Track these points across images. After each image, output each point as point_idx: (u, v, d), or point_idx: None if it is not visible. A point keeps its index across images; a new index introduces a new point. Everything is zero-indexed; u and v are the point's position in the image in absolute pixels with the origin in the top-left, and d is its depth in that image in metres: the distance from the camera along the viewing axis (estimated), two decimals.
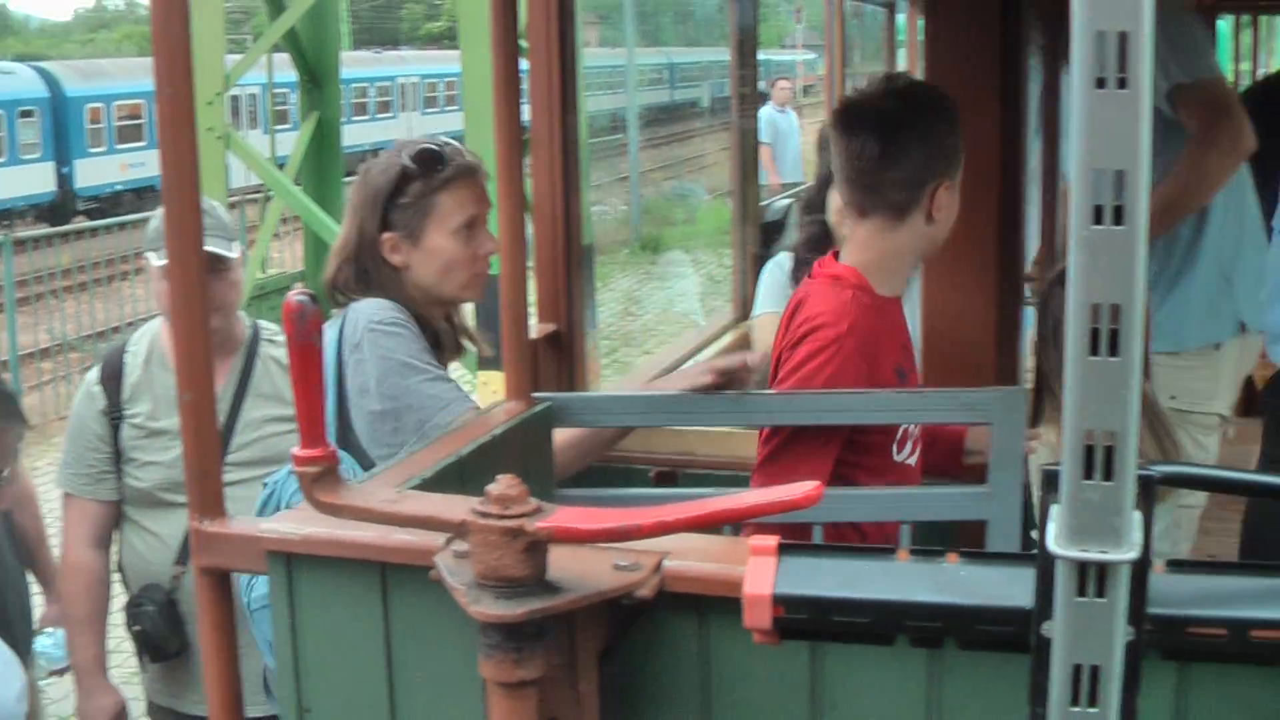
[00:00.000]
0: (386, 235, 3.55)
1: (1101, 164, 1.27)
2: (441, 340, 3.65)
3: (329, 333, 3.48)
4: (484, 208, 3.65)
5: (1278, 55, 27.97)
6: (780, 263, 5.45)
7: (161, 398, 4.47)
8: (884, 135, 3.24)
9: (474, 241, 3.59)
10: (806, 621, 1.68)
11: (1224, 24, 14.38)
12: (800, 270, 5.35)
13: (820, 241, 5.27)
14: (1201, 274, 5.21)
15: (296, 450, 2.05)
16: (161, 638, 4.48)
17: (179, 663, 4.56)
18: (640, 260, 25.06)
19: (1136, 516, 1.45)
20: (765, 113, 20.76)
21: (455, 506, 1.95)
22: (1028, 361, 4.33)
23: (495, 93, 2.98)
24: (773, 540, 1.72)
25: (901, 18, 11.35)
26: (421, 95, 42.35)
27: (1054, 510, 1.45)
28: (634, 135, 29.57)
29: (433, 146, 3.60)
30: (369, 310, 3.45)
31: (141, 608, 4.50)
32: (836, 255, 3.46)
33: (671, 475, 4.04)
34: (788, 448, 3.25)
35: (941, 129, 3.29)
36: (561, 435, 3.31)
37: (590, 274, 4.87)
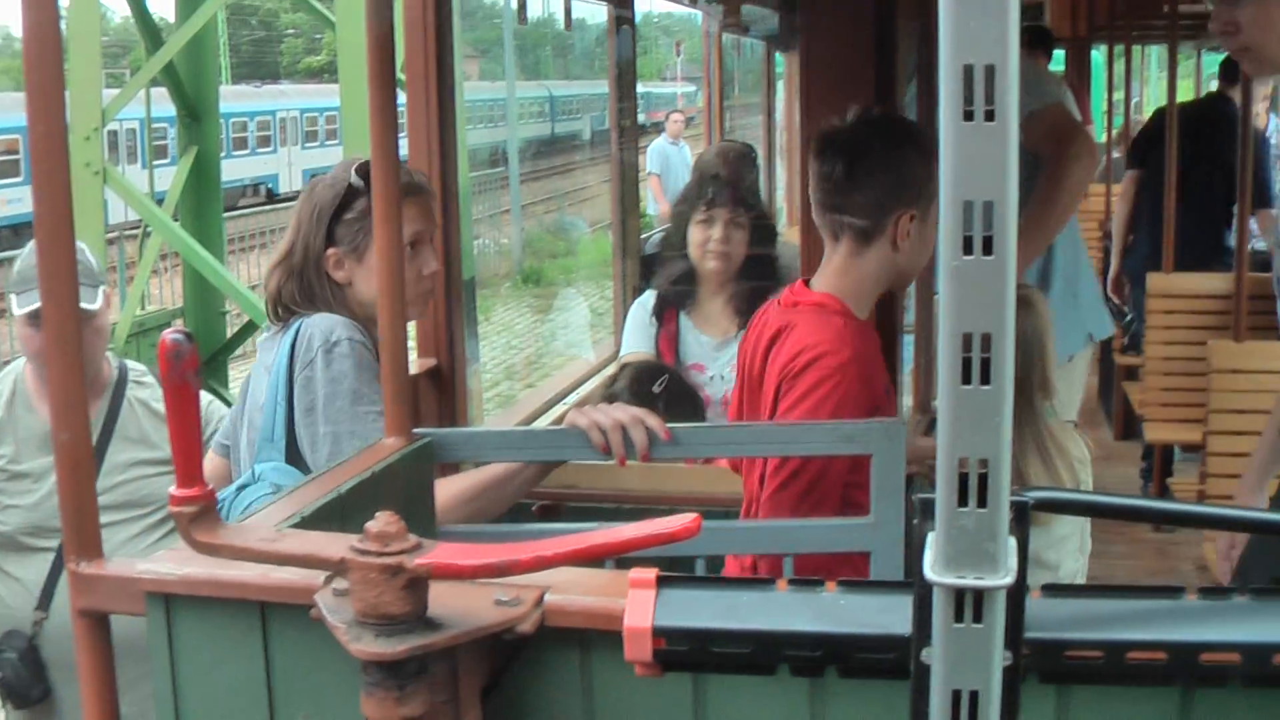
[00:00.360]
0: (331, 251, 3.52)
1: (970, 195, 1.28)
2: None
3: (281, 344, 3.45)
4: (429, 226, 3.64)
5: (1151, 83, 28.56)
6: (644, 302, 5.49)
7: (25, 440, 4.40)
8: (850, 160, 3.36)
9: (418, 260, 3.56)
10: (687, 653, 1.68)
11: (1098, 54, 14.64)
12: (662, 307, 5.39)
13: (680, 277, 5.33)
14: (1055, 292, 5.37)
15: (173, 490, 2.02)
16: (23, 685, 4.41)
17: (42, 709, 4.49)
18: (523, 293, 25.09)
19: (1011, 542, 1.46)
20: (658, 144, 20.95)
21: (334, 544, 1.93)
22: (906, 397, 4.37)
23: (372, 127, 2.96)
24: (652, 573, 1.73)
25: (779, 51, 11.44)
26: (302, 129, 42.10)
27: (930, 538, 1.46)
28: (515, 168, 29.60)
29: None
30: (325, 327, 3.41)
31: (2, 654, 4.43)
32: (807, 283, 3.52)
33: (555, 509, 4.04)
34: (798, 477, 3.30)
35: (909, 158, 3.39)
36: (450, 488, 3.29)
37: (472, 308, 4.86)
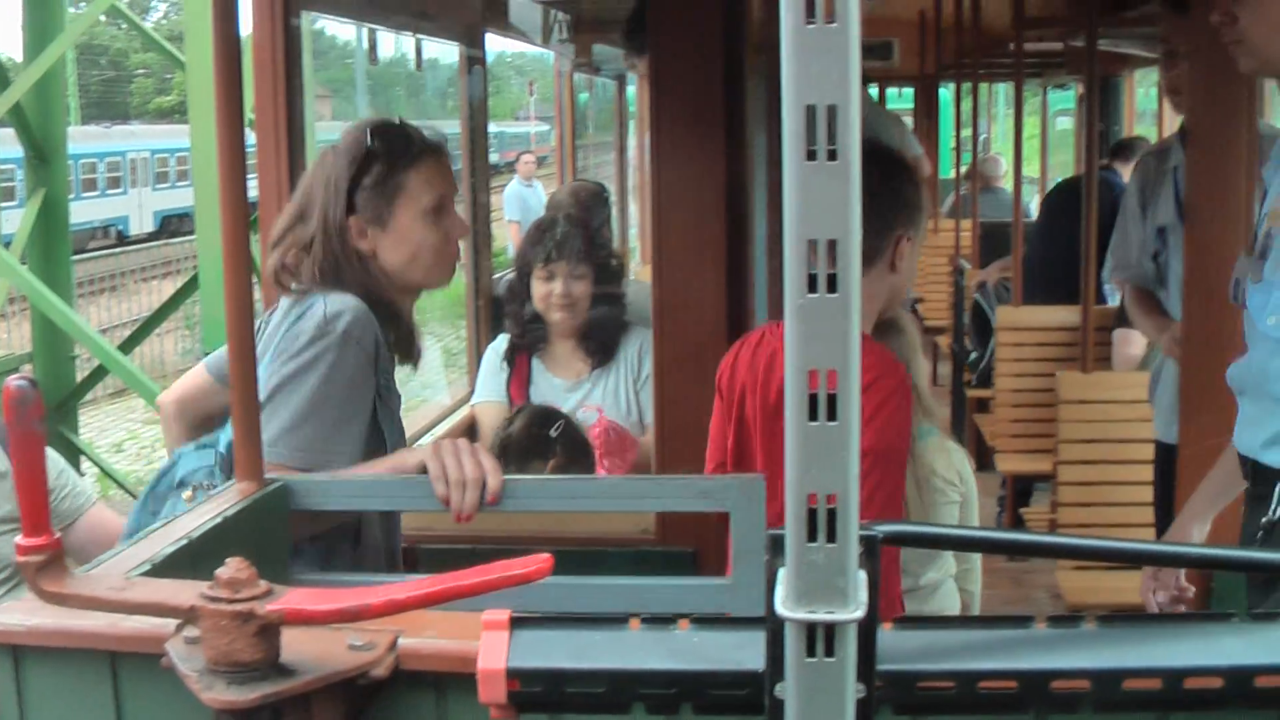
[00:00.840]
0: (353, 219, 3.40)
1: (813, 233, 1.30)
2: (402, 336, 3.53)
3: (273, 319, 3.41)
4: (452, 189, 3.55)
5: (999, 120, 29.03)
6: (496, 347, 5.50)
7: None
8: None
9: (444, 224, 3.47)
10: (542, 694, 1.68)
11: (945, 92, 14.87)
12: (514, 351, 5.40)
13: (527, 324, 5.34)
14: None
15: (20, 540, 1.98)
16: None
17: None
18: None
19: (861, 576, 1.47)
20: (512, 188, 20.90)
21: (184, 592, 1.91)
22: None
23: (221, 167, 2.93)
24: (505, 614, 1.72)
25: (632, 89, 11.50)
26: (153, 170, 41.52)
27: (781, 573, 1.47)
28: None
29: (395, 122, 3.48)
30: (335, 306, 3.30)
31: None
32: None
33: (412, 553, 4.01)
34: (863, 484, 3.33)
35: (907, 187, 3.59)
36: None
37: None
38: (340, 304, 3.32)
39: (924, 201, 3.65)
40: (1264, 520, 3.25)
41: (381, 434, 3.40)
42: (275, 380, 3.24)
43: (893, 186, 3.58)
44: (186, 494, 3.36)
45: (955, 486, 4.48)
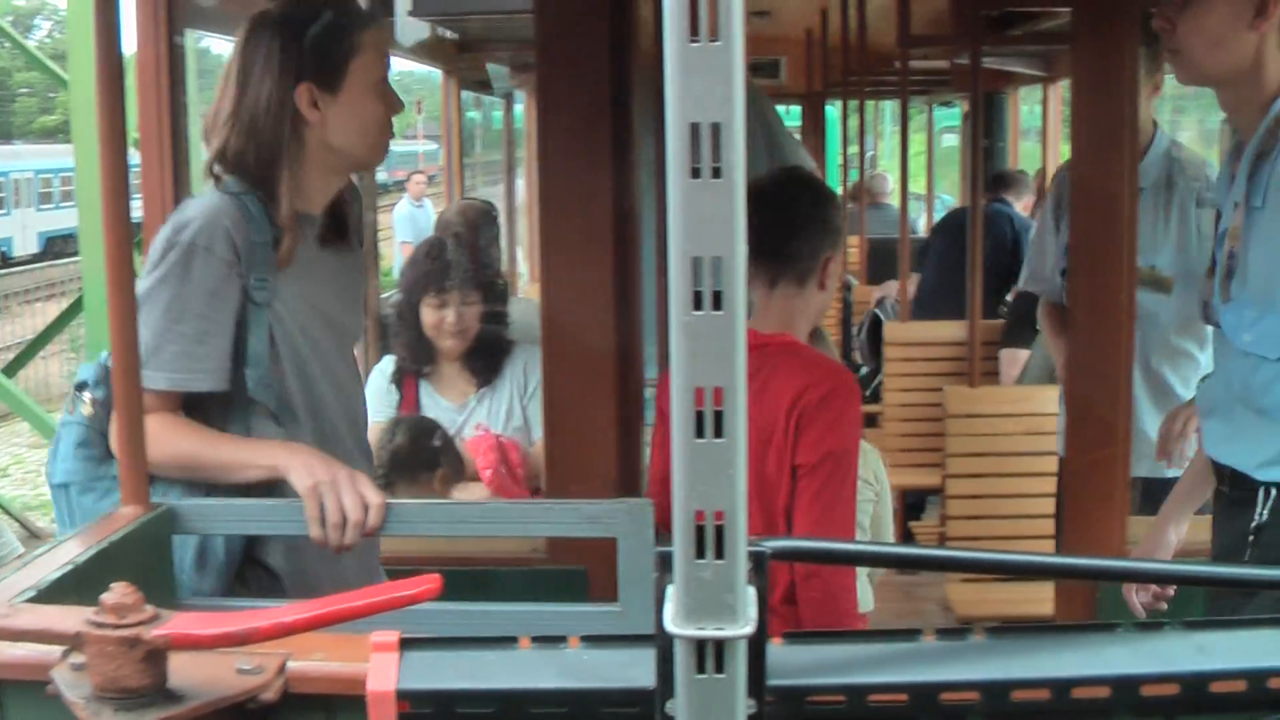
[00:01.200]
0: (302, 85, 3.18)
1: (698, 251, 1.30)
2: (336, 218, 3.40)
3: None
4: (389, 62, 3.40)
5: (886, 137, 29.29)
6: (383, 368, 5.47)
7: None
8: (788, 211, 3.75)
9: (389, 96, 3.31)
10: (432, 715, 1.67)
11: (832, 110, 14.97)
12: (401, 373, 5.38)
13: (416, 349, 5.31)
14: None
15: None
16: None
17: None
18: None
19: (751, 591, 1.48)
20: (402, 208, 20.80)
21: (70, 618, 1.88)
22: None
23: (104, 187, 2.89)
24: (394, 635, 1.71)
25: (520, 108, 11.49)
26: (36, 190, 40.93)
27: (669, 590, 1.48)
28: None
29: None
30: (182, 216, 3.17)
31: None
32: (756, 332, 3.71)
33: None
34: (829, 484, 3.55)
35: (830, 210, 3.86)
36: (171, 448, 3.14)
37: None
38: (187, 213, 3.19)
39: (842, 221, 3.86)
40: (1252, 525, 3.33)
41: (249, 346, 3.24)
42: (138, 297, 3.08)
43: (820, 211, 3.81)
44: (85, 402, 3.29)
45: (871, 485, 4.55)
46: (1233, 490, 3.46)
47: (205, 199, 3.24)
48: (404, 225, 20.28)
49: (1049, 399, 6.33)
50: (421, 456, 4.86)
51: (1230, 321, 3.36)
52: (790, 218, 3.75)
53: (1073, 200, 4.22)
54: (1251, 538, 3.33)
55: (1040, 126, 12.41)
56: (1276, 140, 3.23)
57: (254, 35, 3.23)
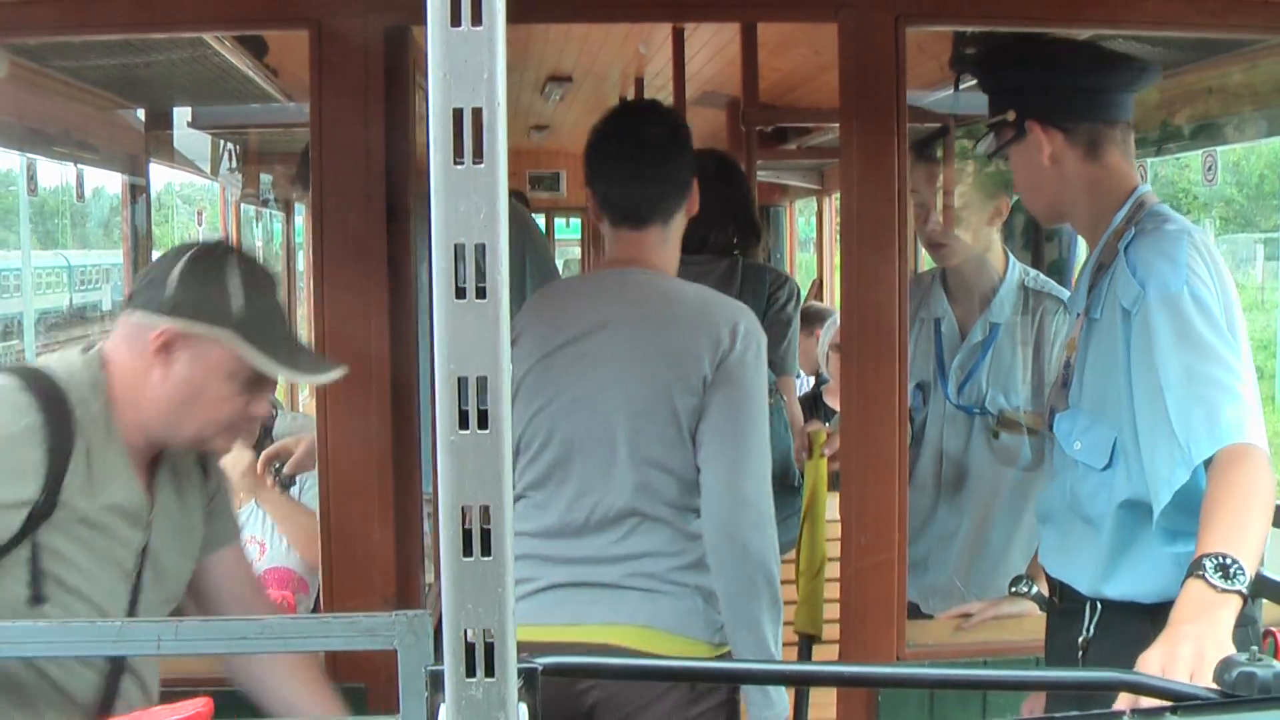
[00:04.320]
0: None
1: (464, 371, 1.31)
2: None
3: None
4: None
5: None
6: None
7: None
8: None
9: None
10: None
11: None
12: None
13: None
14: None
15: None
16: None
17: None
18: None
19: (522, 708, 1.48)
20: None
21: None
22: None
23: None
24: None
25: (300, 220, 11.41)
26: None
27: (442, 710, 1.47)
28: (31, 339, 28.61)
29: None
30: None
31: None
32: None
33: None
34: None
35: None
36: None
37: None
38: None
39: None
40: (1079, 639, 3.40)
41: None
42: None
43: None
44: None
45: None
46: (1063, 601, 3.55)
47: None
48: None
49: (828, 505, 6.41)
50: None
51: (1063, 429, 3.46)
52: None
53: (844, 316, 4.30)
54: (1080, 652, 3.41)
55: (815, 237, 12.66)
56: (1114, 253, 3.34)
57: None
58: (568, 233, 19.27)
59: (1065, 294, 5.14)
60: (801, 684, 4.19)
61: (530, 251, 5.33)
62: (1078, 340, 3.50)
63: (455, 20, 1.24)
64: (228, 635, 3.10)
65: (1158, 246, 3.22)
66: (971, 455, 5.18)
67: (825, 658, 4.73)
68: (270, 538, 5.16)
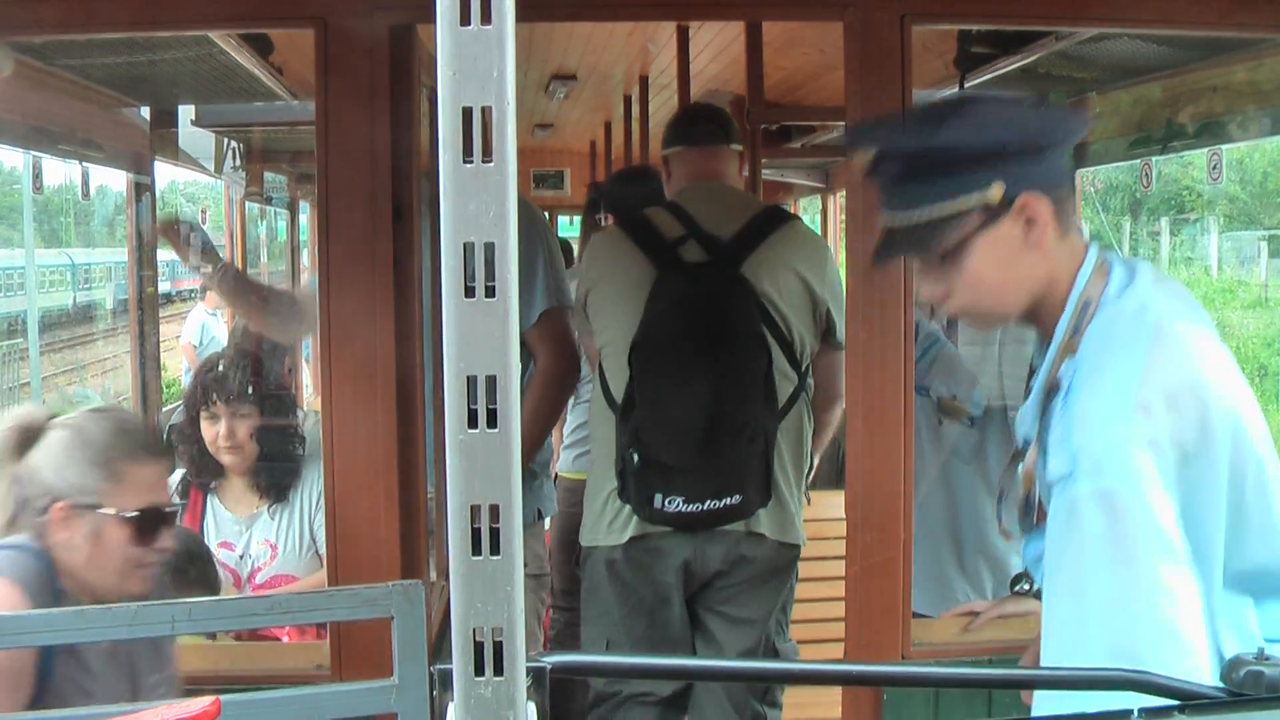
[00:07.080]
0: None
1: (472, 370, 1.31)
2: None
3: None
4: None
5: None
6: (170, 480, 5.41)
7: None
8: None
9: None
10: None
11: None
12: (186, 486, 5.31)
13: (200, 463, 5.26)
14: None
15: None
16: None
17: None
18: None
19: (531, 707, 1.48)
20: (198, 315, 20.56)
21: None
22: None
23: None
24: None
25: (304, 219, 11.42)
26: None
27: (450, 708, 1.47)
28: (35, 339, 28.64)
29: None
30: None
31: None
32: None
33: None
34: None
35: None
36: None
37: None
38: None
39: None
40: None
41: None
42: None
43: None
44: None
45: None
46: None
47: None
48: (194, 330, 20.08)
49: (834, 503, 6.41)
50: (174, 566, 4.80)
51: (1031, 554, 3.25)
52: None
53: (848, 305, 4.31)
54: None
55: (820, 235, 12.66)
56: (1058, 378, 2.80)
57: None
58: (572, 230, 19.25)
59: None
60: (806, 682, 4.19)
61: (543, 251, 5.33)
62: (1033, 472, 2.97)
63: (465, 19, 1.23)
64: (239, 613, 3.13)
65: (1101, 392, 2.69)
66: (921, 436, 5.22)
67: (830, 656, 4.73)
68: (281, 540, 5.16)
